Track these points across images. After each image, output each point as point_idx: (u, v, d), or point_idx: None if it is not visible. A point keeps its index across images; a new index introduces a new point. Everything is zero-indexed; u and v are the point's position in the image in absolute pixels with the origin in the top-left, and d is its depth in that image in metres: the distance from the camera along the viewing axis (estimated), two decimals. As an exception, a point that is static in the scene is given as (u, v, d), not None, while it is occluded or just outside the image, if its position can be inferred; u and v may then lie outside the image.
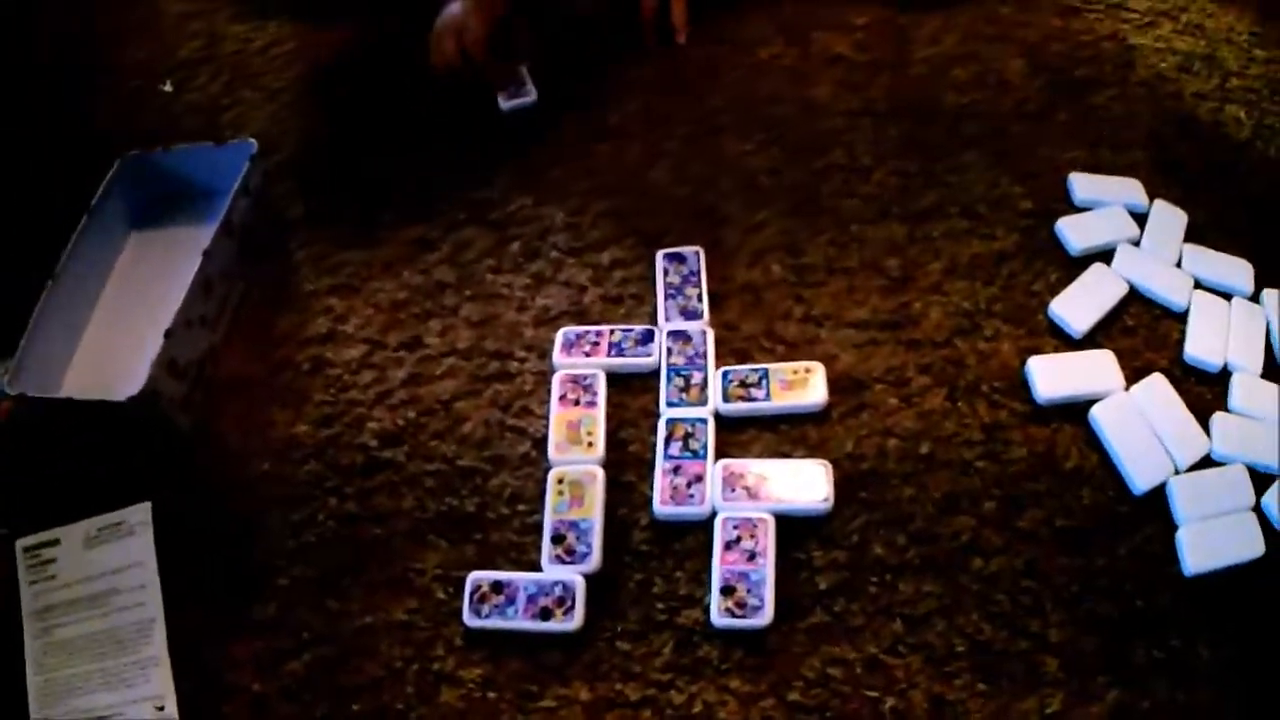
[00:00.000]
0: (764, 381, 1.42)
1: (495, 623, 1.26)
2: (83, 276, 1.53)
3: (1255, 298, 1.54)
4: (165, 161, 1.63)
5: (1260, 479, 1.35)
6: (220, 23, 2.01)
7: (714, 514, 1.32)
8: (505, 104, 1.74)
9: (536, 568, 1.30)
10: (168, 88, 1.86)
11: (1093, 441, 1.39)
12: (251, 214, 1.55)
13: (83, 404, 1.38)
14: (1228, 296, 1.53)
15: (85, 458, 1.41)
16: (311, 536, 1.35)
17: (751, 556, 1.28)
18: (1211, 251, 1.58)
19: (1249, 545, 1.30)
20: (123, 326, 1.52)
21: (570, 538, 1.30)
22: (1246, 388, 1.44)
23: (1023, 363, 1.44)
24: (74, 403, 1.39)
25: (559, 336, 1.48)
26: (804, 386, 1.41)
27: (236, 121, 1.82)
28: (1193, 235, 1.60)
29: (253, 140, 1.60)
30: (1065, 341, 1.48)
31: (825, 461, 1.35)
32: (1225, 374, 1.45)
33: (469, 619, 1.27)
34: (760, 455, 1.38)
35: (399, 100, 1.79)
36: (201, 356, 1.45)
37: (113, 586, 1.32)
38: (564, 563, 1.29)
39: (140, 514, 1.35)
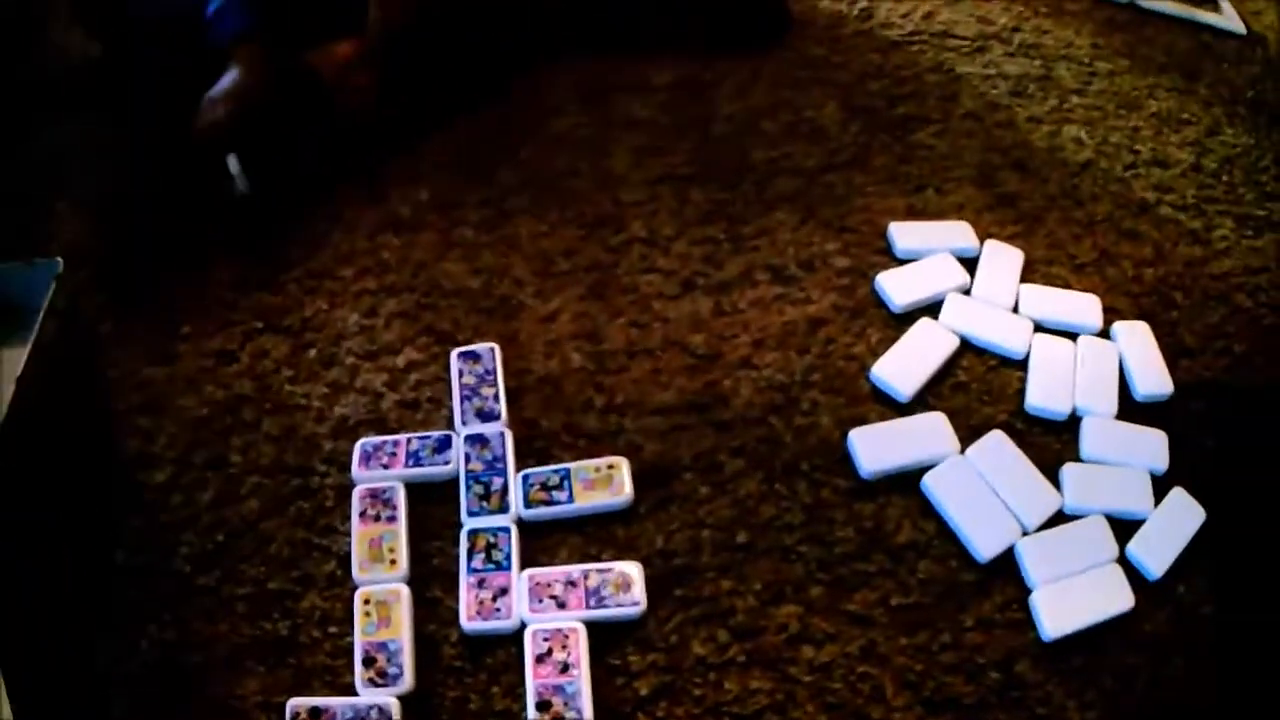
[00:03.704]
0: (566, 482, 1.45)
1: (318, 751, 1.29)
2: None
3: (1105, 333, 1.59)
4: None
5: (1125, 528, 1.39)
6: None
7: (523, 626, 1.35)
8: (242, 188, 1.76)
9: (353, 690, 1.32)
10: None
11: (928, 511, 1.42)
12: (60, 335, 1.56)
13: None
14: (1074, 336, 1.58)
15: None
16: (135, 666, 1.35)
17: (565, 668, 1.31)
18: (1052, 289, 1.63)
19: (1116, 599, 1.34)
20: None
21: (381, 659, 1.33)
22: (1099, 433, 1.48)
23: (845, 434, 1.47)
24: None
25: (356, 449, 1.51)
26: (608, 484, 1.44)
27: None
28: (1032, 274, 1.65)
29: (59, 259, 1.61)
30: (891, 407, 1.51)
31: (635, 563, 1.38)
32: (1076, 420, 1.50)
33: (292, 748, 1.29)
34: (568, 559, 1.41)
35: (194, 204, 1.79)
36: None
37: None
38: (377, 685, 1.31)
39: None
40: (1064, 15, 2.06)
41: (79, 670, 1.35)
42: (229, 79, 1.71)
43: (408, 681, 1.31)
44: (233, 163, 1.72)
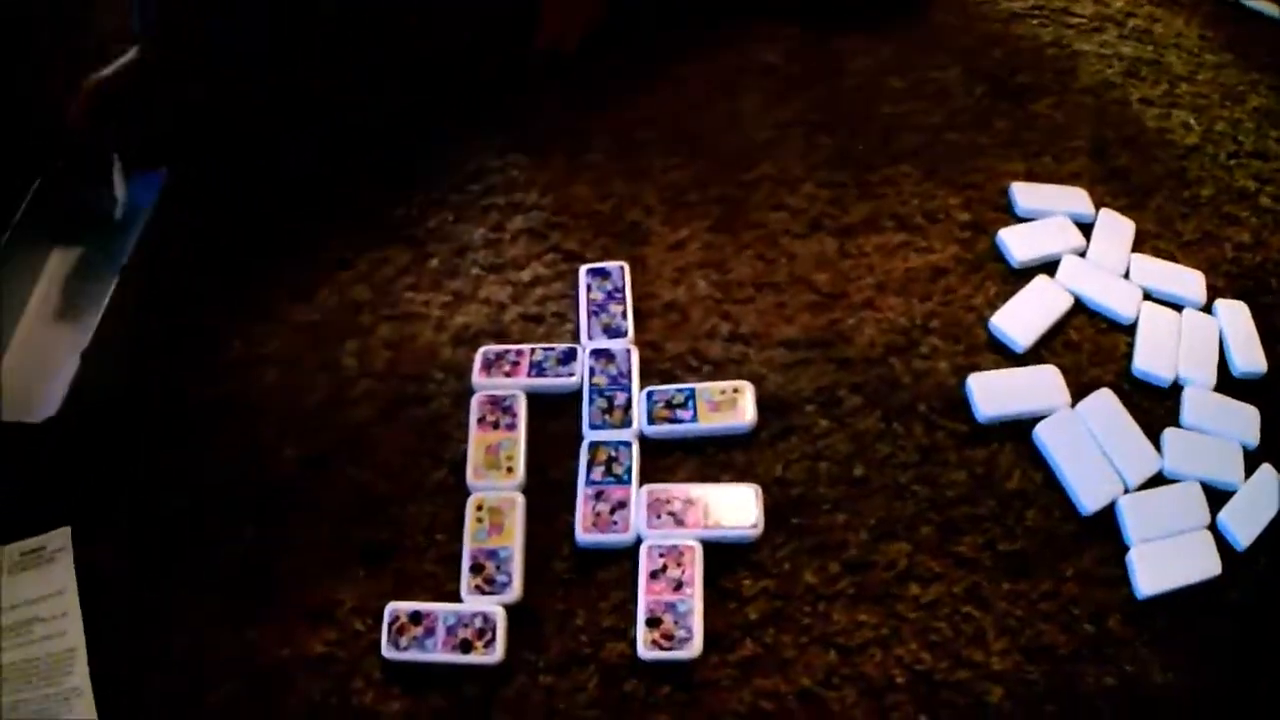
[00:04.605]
0: (690, 402, 1.46)
1: (414, 655, 1.29)
2: (4, 293, 1.56)
3: (1208, 309, 1.60)
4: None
5: (1215, 496, 1.41)
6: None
7: (639, 541, 1.35)
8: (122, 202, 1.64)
9: (457, 598, 1.32)
10: None
11: (1037, 461, 1.43)
12: (163, 237, 1.57)
13: (-2, 426, 1.41)
14: (1178, 308, 1.60)
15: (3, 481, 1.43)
16: (227, 568, 1.37)
17: (678, 586, 1.31)
18: (1161, 261, 1.65)
19: (1205, 565, 1.36)
20: (45, 345, 1.55)
21: (489, 567, 1.33)
22: (1199, 402, 1.50)
23: (961, 381, 1.49)
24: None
25: (478, 356, 1.51)
26: (732, 408, 1.45)
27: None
28: (1141, 245, 1.66)
29: (164, 168, 1.62)
30: (1007, 357, 1.53)
31: (754, 486, 1.39)
32: (1176, 388, 1.51)
33: (387, 652, 1.29)
34: (687, 479, 1.42)
35: (312, 105, 1.80)
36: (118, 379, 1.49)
37: (34, 615, 1.33)
38: (484, 593, 1.31)
39: (60, 540, 1.37)
40: (1174, 5, 2.06)
41: (164, 574, 1.36)
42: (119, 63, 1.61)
43: (516, 590, 1.31)
44: (117, 172, 1.60)
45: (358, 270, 1.63)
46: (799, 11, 1.93)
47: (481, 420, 1.45)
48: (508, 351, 1.51)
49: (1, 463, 1.43)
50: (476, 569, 1.33)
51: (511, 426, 1.44)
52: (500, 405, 1.46)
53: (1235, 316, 1.59)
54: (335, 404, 1.50)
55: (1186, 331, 1.57)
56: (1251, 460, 1.45)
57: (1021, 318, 1.55)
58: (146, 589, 1.36)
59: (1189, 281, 1.63)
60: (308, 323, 1.58)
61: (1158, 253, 1.66)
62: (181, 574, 1.37)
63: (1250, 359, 1.55)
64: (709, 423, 1.44)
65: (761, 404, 1.47)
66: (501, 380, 1.49)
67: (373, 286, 1.62)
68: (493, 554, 1.34)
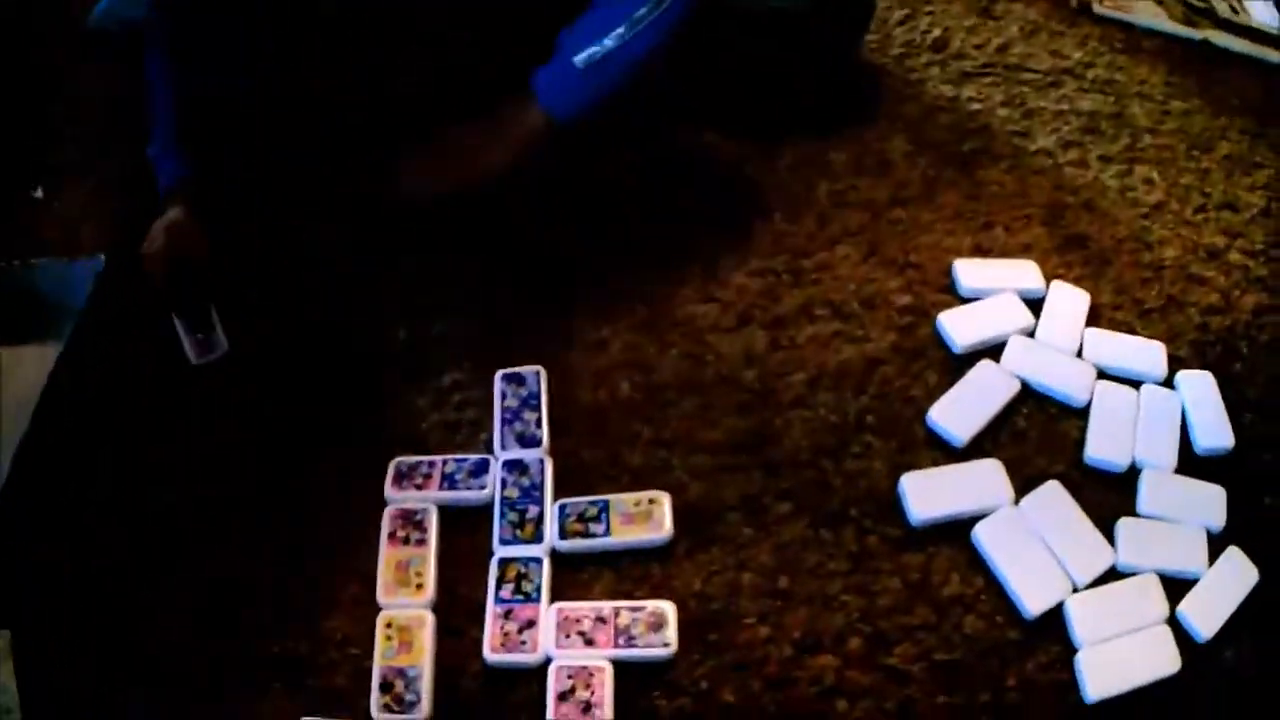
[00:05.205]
0: (604, 515, 1.40)
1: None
2: None
3: (1169, 383, 1.53)
4: (22, 276, 1.67)
5: (1177, 587, 1.34)
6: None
7: (548, 661, 1.30)
8: (196, 358, 1.58)
9: (369, 716, 1.28)
10: (38, 194, 1.84)
11: (977, 564, 1.37)
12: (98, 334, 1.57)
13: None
14: (1137, 384, 1.52)
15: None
16: (161, 672, 1.32)
17: (587, 708, 1.26)
18: (1118, 335, 1.58)
19: (1160, 663, 1.28)
20: None
21: (399, 685, 1.29)
22: (1157, 487, 1.42)
23: (896, 481, 1.42)
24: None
25: (390, 468, 1.47)
26: (648, 520, 1.40)
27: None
28: (1097, 318, 1.60)
29: (101, 256, 1.60)
30: (947, 453, 1.46)
31: (669, 603, 1.33)
32: (1134, 472, 1.44)
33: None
34: (601, 595, 1.36)
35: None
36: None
37: None
38: (392, 712, 1.27)
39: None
40: (1139, 52, 2.01)
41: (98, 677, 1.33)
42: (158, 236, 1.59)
43: (424, 709, 1.28)
44: (180, 326, 1.58)
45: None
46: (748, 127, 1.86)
47: (392, 535, 1.41)
48: (420, 463, 1.47)
49: None
50: (386, 687, 1.29)
51: (422, 542, 1.40)
52: (411, 520, 1.42)
53: (1199, 389, 1.52)
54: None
55: (1144, 410, 1.49)
56: (1217, 544, 1.37)
57: (962, 409, 1.48)
58: (79, 689, 1.31)
59: (1148, 355, 1.55)
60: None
61: (1116, 325, 1.59)
62: (106, 677, 1.32)
63: (1215, 434, 1.47)
64: (623, 537, 1.39)
65: (682, 513, 1.41)
66: (413, 493, 1.44)
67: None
68: (402, 672, 1.30)
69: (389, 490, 1.44)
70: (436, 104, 1.71)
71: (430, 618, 1.34)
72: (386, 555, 1.39)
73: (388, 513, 1.43)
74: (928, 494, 1.40)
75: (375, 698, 1.28)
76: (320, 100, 1.74)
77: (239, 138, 1.69)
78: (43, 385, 1.51)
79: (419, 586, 1.37)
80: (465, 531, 1.42)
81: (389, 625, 1.33)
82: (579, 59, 1.56)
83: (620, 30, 1.54)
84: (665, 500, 1.41)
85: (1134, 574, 1.35)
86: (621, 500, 1.42)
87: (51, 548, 1.42)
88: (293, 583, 1.38)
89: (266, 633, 1.34)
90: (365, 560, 1.39)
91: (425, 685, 1.29)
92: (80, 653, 1.34)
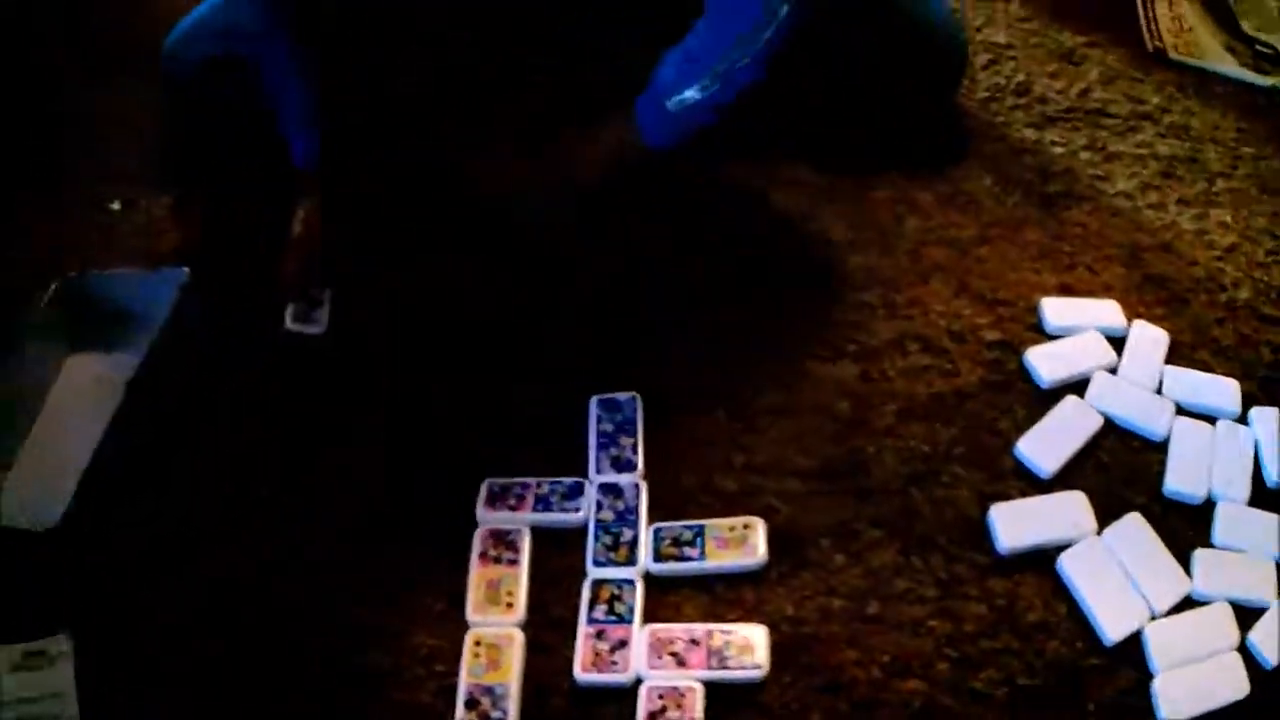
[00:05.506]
0: (699, 540, 1.42)
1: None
2: (18, 397, 1.56)
3: (1243, 419, 1.56)
4: (102, 285, 1.65)
5: (1249, 615, 1.37)
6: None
7: (639, 682, 1.32)
8: (291, 324, 1.65)
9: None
10: (115, 206, 1.85)
11: (1060, 592, 1.40)
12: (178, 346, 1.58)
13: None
14: (1212, 420, 1.56)
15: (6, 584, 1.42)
16: (218, 682, 1.35)
17: (679, 727, 1.29)
18: (1194, 372, 1.61)
19: (1231, 687, 1.32)
20: (56, 452, 1.53)
21: (485, 703, 1.30)
22: (1230, 519, 1.46)
23: (984, 510, 1.45)
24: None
25: (483, 488, 1.49)
26: (741, 545, 1.42)
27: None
28: (1176, 355, 1.63)
29: (185, 268, 1.62)
30: (1032, 484, 1.49)
31: (762, 626, 1.36)
32: (1209, 505, 1.47)
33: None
34: (694, 617, 1.38)
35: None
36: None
37: (33, 715, 1.31)
38: None
39: (61, 644, 1.35)
40: (1213, 97, 2.03)
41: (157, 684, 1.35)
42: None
43: None
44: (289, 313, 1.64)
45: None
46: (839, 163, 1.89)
47: (483, 555, 1.43)
48: (513, 484, 1.49)
49: (3, 567, 1.43)
50: (471, 704, 1.30)
51: (514, 562, 1.42)
52: (503, 540, 1.44)
53: (1270, 425, 1.55)
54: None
55: (1219, 445, 1.53)
56: (1289, 575, 1.39)
57: (1049, 442, 1.52)
58: (140, 700, 1.34)
59: (1223, 391, 1.59)
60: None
61: (1193, 362, 1.62)
62: (173, 688, 1.35)
63: (1286, 469, 1.50)
64: (717, 560, 1.41)
65: (774, 538, 1.43)
66: (506, 514, 1.46)
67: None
68: (489, 690, 1.31)
69: (481, 510, 1.46)
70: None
71: (520, 636, 1.35)
72: (477, 574, 1.41)
73: (479, 533, 1.44)
74: (1016, 524, 1.44)
75: (460, 714, 1.29)
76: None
77: None
78: (119, 394, 1.50)
79: (509, 605, 1.38)
80: (556, 552, 1.45)
81: (477, 643, 1.34)
82: (670, 103, 1.59)
83: (705, 82, 1.57)
84: (760, 526, 1.43)
85: (1208, 602, 1.39)
86: (716, 525, 1.44)
87: (127, 557, 1.44)
88: (375, 598, 1.41)
89: (351, 646, 1.37)
90: (453, 579, 1.41)
91: (512, 703, 1.29)
92: (139, 657, 1.37)
